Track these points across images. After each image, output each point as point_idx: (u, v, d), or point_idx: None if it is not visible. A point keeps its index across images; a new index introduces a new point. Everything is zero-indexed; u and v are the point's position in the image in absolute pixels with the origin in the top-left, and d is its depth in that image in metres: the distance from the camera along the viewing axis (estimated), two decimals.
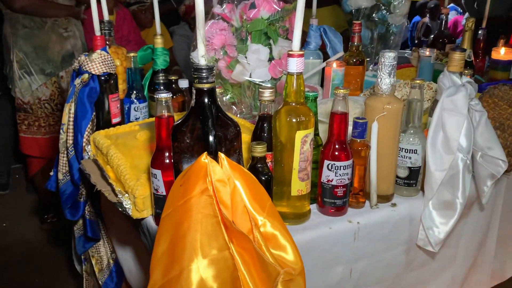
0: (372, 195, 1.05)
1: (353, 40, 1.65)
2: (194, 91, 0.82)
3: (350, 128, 1.02)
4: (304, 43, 1.93)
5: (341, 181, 0.99)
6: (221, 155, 0.80)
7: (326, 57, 1.86)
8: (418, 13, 5.59)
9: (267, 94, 0.98)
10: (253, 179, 0.82)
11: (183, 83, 1.60)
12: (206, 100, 0.81)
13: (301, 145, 0.92)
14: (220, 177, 0.78)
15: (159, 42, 1.54)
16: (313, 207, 1.04)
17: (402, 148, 1.09)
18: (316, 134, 1.05)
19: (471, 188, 1.16)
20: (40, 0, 2.27)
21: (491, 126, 1.11)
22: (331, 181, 0.99)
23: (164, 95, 0.91)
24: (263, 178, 0.93)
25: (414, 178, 1.10)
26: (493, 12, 4.09)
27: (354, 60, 1.66)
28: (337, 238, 0.99)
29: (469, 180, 1.05)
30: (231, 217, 0.79)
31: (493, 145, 1.10)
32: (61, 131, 1.32)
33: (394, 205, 1.08)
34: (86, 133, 1.29)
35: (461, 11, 5.56)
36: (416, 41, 4.68)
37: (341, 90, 0.96)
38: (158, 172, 0.93)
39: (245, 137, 1.11)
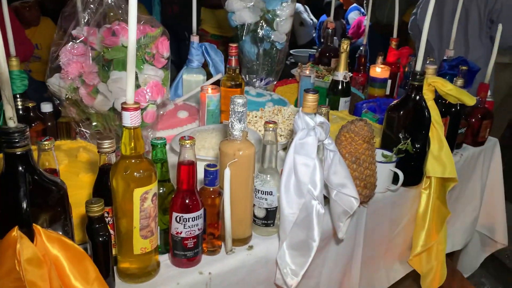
0: (227, 241, 1.03)
1: (230, 63, 1.62)
2: (3, 156, 0.73)
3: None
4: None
5: (190, 233, 0.95)
6: (37, 227, 0.73)
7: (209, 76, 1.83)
8: (324, 12, 5.78)
9: (106, 146, 0.91)
10: (77, 250, 0.76)
11: (47, 107, 1.47)
12: (18, 166, 0.72)
13: (141, 202, 0.87)
14: (32, 255, 0.70)
15: (14, 64, 1.39)
16: (166, 257, 1.00)
17: (258, 190, 1.08)
18: (167, 180, 1.00)
19: (329, 222, 1.20)
20: None
21: (345, 164, 1.14)
22: (180, 233, 0.95)
23: None
24: (100, 239, 0.86)
25: (271, 218, 1.11)
26: (388, 19, 4.27)
27: (232, 83, 1.63)
28: None
29: (321, 221, 1.07)
30: None
31: (346, 183, 1.13)
32: None
33: (250, 247, 1.08)
34: None
35: (363, 11, 5.83)
36: (322, 40, 4.87)
37: (187, 141, 0.92)
38: None
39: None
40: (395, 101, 1.42)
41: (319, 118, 1.10)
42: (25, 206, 0.72)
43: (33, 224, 0.72)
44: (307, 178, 1.03)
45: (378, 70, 2.06)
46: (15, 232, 0.70)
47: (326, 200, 1.17)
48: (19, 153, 0.72)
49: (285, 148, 1.45)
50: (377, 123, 1.72)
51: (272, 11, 1.96)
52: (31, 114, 1.40)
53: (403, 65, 2.18)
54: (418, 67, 1.35)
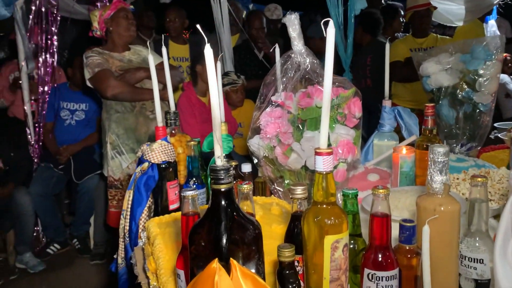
0: None
1: (426, 124, 1.52)
2: (211, 192, 0.80)
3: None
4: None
5: None
6: (233, 262, 0.75)
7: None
8: None
9: (299, 192, 0.92)
10: None
11: (246, 168, 1.60)
12: (222, 201, 0.78)
13: (332, 251, 0.83)
14: None
15: (222, 128, 1.59)
16: None
17: (465, 256, 0.92)
18: (358, 235, 0.95)
19: None
20: (129, 87, 2.53)
21: None
22: None
23: (190, 193, 0.90)
24: (290, 286, 0.84)
25: None
26: None
27: (429, 145, 1.51)
28: None
29: None
30: None
31: None
32: (121, 216, 1.38)
33: None
34: (142, 219, 1.33)
35: None
36: None
37: (381, 190, 0.86)
38: (181, 273, 0.90)
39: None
40: None
41: None
42: (225, 241, 0.76)
43: (231, 258, 0.75)
44: None
45: None
46: (215, 264, 0.74)
47: None
48: (223, 189, 0.78)
49: (497, 216, 1.24)
50: None
51: (473, 71, 1.81)
52: (233, 172, 1.55)
53: None
54: None
